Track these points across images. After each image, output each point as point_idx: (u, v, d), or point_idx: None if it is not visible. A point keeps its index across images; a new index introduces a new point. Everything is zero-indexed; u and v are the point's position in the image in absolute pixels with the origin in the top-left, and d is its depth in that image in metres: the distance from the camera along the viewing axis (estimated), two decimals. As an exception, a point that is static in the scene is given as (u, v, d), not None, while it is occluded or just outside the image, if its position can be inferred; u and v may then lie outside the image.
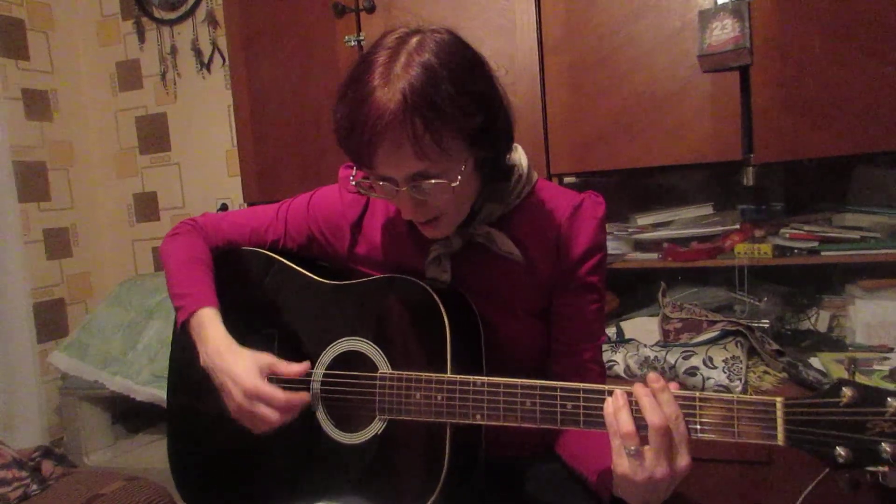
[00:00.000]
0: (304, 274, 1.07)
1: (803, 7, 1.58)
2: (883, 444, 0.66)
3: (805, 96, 1.59)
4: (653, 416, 0.72)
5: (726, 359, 1.54)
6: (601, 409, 0.78)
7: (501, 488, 0.98)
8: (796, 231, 1.75)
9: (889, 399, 0.65)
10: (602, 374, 1.05)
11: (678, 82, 1.69)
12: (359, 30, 1.99)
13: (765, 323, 1.74)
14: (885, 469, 0.66)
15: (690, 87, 1.68)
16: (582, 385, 0.80)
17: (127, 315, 2.35)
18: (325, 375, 0.99)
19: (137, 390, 2.13)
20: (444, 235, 0.95)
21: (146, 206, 2.81)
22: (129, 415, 2.40)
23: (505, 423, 0.83)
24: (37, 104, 2.63)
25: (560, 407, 0.80)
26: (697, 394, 0.75)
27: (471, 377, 0.85)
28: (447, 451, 0.86)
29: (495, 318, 0.96)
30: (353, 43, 1.98)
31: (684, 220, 1.86)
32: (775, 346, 1.63)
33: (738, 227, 1.81)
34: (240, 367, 0.94)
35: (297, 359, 1.00)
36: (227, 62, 2.58)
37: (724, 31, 1.62)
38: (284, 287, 1.08)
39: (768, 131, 1.63)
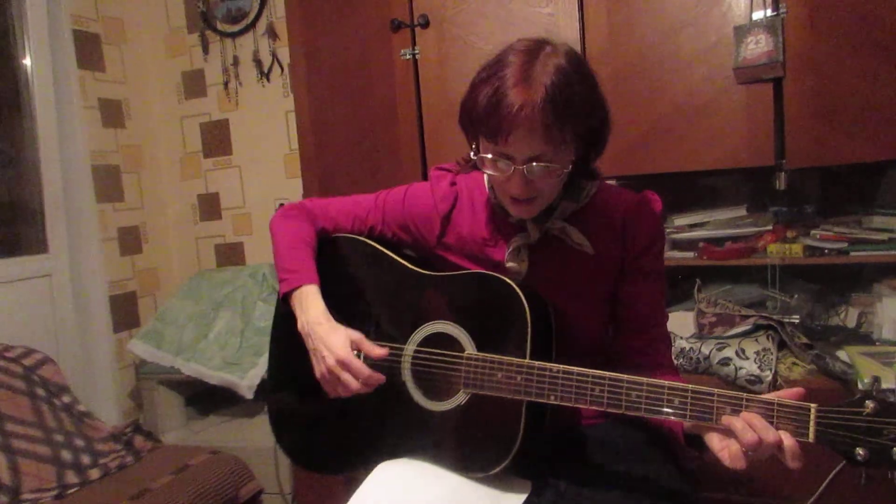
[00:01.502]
0: (399, 262, 1.22)
1: (834, 23, 1.69)
2: (895, 448, 0.80)
3: (835, 106, 1.70)
4: (766, 434, 0.85)
5: (758, 350, 1.66)
6: (662, 399, 0.92)
7: (564, 452, 1.13)
8: (826, 232, 1.85)
9: None
10: (669, 346, 1.20)
11: (714, 93, 1.81)
12: (413, 44, 2.14)
13: (795, 318, 1.85)
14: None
15: (726, 98, 1.80)
16: (645, 379, 0.94)
17: (197, 307, 2.55)
18: (415, 351, 1.15)
19: (210, 375, 2.33)
20: (531, 216, 1.10)
21: (209, 206, 3.01)
22: (200, 398, 2.60)
23: (575, 406, 0.98)
24: (111, 112, 2.85)
25: (625, 397, 0.94)
26: (744, 395, 0.89)
27: (549, 364, 1.00)
28: (522, 424, 1.02)
29: (564, 303, 1.11)
30: (408, 56, 2.14)
31: (719, 222, 1.98)
32: (804, 340, 1.74)
33: (770, 228, 1.92)
34: (333, 338, 1.11)
35: (388, 337, 1.17)
36: (284, 71, 2.77)
37: (758, 46, 1.73)
38: (380, 272, 1.24)
39: (800, 138, 1.75)
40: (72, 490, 1.68)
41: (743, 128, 1.80)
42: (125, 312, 2.85)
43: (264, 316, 2.44)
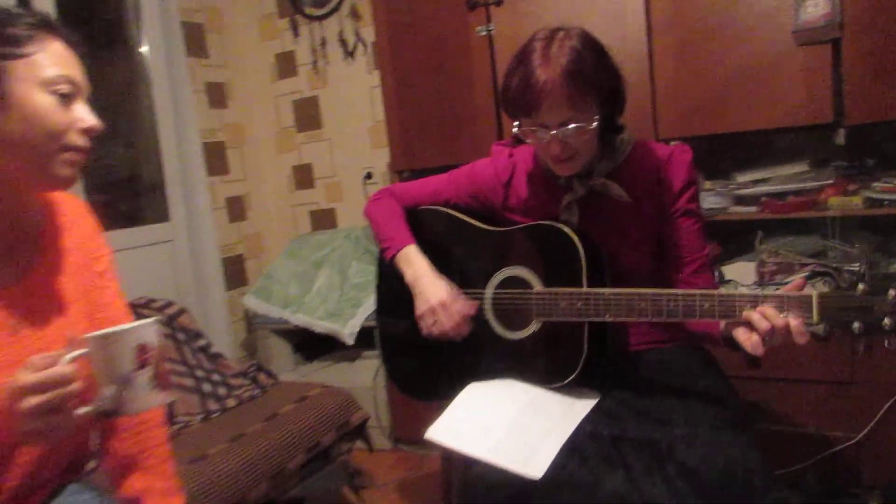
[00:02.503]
0: (473, 223, 1.46)
1: (890, -16, 1.78)
2: (885, 319, 0.99)
3: (892, 64, 1.80)
4: (777, 321, 1.06)
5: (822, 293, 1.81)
6: (695, 304, 1.12)
7: (624, 371, 1.34)
8: (886, 184, 1.95)
9: (890, 289, 0.98)
10: (711, 276, 1.39)
11: (775, 55, 1.93)
12: (488, 20, 2.32)
13: (854, 266, 1.97)
14: (890, 337, 0.98)
15: (786, 60, 1.92)
16: (680, 292, 1.15)
17: (299, 266, 2.86)
18: (494, 294, 1.38)
19: (316, 324, 2.64)
20: (574, 172, 1.31)
21: (303, 176, 3.31)
22: (305, 345, 2.93)
23: (626, 319, 1.19)
24: (215, 94, 3.16)
25: (665, 306, 1.15)
26: (760, 293, 1.08)
27: (601, 289, 1.22)
28: (585, 342, 1.23)
29: (613, 246, 1.32)
30: (483, 32, 2.31)
31: (782, 177, 2.10)
32: (862, 286, 1.87)
33: (832, 181, 2.03)
34: (434, 287, 1.37)
35: (470, 284, 1.41)
36: (368, 50, 3.00)
37: (816, 9, 1.84)
38: (458, 233, 1.47)
39: (857, 96, 1.85)
40: (214, 415, 2.02)
41: (802, 88, 1.91)
42: (235, 273, 3.20)
43: (359, 273, 2.71)
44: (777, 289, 1.87)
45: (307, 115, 3.23)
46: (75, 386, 0.83)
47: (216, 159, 3.14)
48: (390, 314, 1.58)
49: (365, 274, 2.71)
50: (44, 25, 0.94)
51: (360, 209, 3.03)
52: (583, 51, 1.21)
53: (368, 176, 3.10)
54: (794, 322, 1.05)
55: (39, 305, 1.00)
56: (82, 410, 0.85)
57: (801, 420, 1.94)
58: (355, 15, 2.99)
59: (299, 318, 2.68)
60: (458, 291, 1.38)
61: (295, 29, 3.15)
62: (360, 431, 2.18)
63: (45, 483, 1.04)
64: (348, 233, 2.91)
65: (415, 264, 1.41)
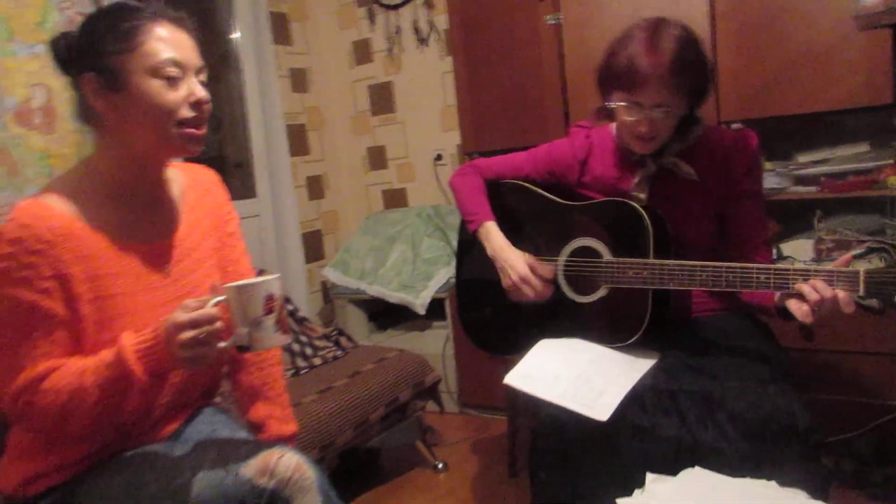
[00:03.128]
0: (550, 197, 1.62)
1: (954, -31, 1.83)
2: None
3: (953, 47, 1.85)
4: (826, 293, 1.17)
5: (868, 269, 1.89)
6: (752, 276, 1.25)
7: (683, 334, 1.48)
8: (946, 164, 2.01)
9: None
10: (770, 252, 1.51)
11: (835, 39, 2.01)
12: (557, 9, 2.45)
13: (912, 243, 2.04)
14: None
15: (846, 43, 1.99)
16: (738, 265, 1.28)
17: (375, 241, 3.07)
18: (566, 260, 1.54)
19: (390, 295, 2.85)
20: (651, 150, 1.45)
21: (377, 158, 3.51)
22: (379, 315, 3.15)
23: (688, 288, 1.33)
24: (298, 79, 3.39)
25: (724, 277, 1.29)
26: (812, 267, 1.20)
27: (665, 261, 1.36)
28: (649, 305, 1.38)
29: (680, 221, 1.45)
30: (552, 21, 2.45)
31: (842, 157, 2.17)
32: (918, 261, 1.94)
33: (892, 161, 2.09)
34: (515, 259, 1.54)
35: (545, 252, 1.57)
36: (441, 37, 3.16)
37: (878, -5, 1.90)
38: (536, 205, 1.64)
39: (918, 78, 1.91)
40: (303, 371, 2.25)
41: (862, 70, 1.98)
42: (313, 247, 3.44)
43: (430, 249, 2.90)
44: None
45: (381, 100, 3.43)
46: (218, 325, 1.03)
47: (298, 140, 3.37)
48: (468, 278, 1.76)
49: (435, 250, 2.89)
50: (149, 15, 1.09)
51: (431, 189, 3.25)
52: (687, 44, 1.35)
53: (438, 157, 3.28)
54: (841, 294, 1.17)
55: (183, 256, 1.21)
56: (222, 344, 1.06)
57: (855, 390, 2.03)
58: (429, 4, 3.16)
59: (375, 289, 2.89)
60: (534, 259, 1.54)
61: (371, 18, 3.34)
62: (432, 391, 2.38)
63: (188, 404, 1.27)
64: (419, 211, 3.10)
65: (494, 239, 1.59)
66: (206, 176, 1.33)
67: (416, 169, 3.40)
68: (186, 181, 1.27)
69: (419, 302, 2.77)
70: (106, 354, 1.03)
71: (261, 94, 3.11)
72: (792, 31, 2.07)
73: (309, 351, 2.36)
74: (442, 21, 3.11)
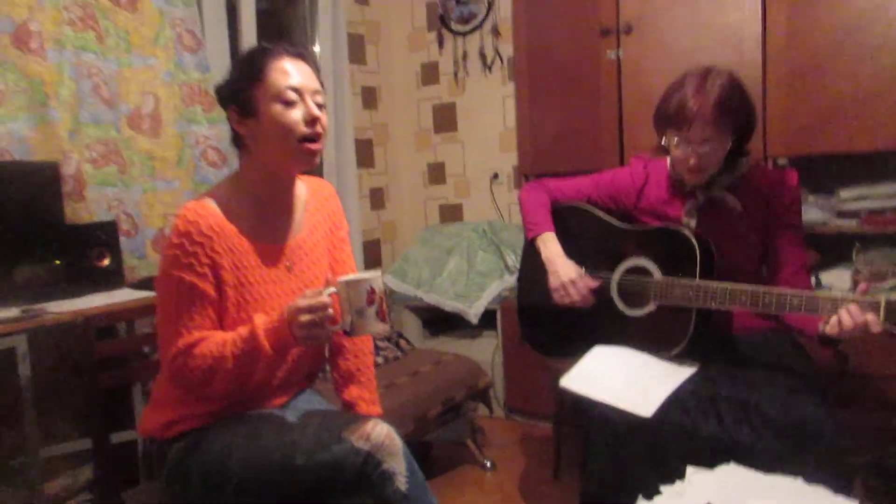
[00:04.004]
0: (608, 219, 1.81)
1: None
2: None
3: None
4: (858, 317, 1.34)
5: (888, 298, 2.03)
6: (786, 301, 1.42)
7: (724, 347, 1.65)
8: (983, 207, 2.13)
9: None
10: (808, 278, 1.67)
11: (880, 85, 2.16)
12: (618, 45, 2.64)
13: (946, 279, 2.16)
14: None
15: (890, 88, 2.14)
16: (775, 289, 1.45)
17: (432, 252, 3.29)
18: (621, 278, 1.72)
19: (445, 303, 3.05)
20: (701, 181, 1.63)
21: (436, 173, 3.73)
22: (433, 321, 3.36)
23: (728, 308, 1.50)
24: (369, 97, 3.65)
25: (762, 301, 1.45)
26: (839, 295, 1.37)
27: (710, 282, 1.53)
28: (692, 323, 1.56)
29: (726, 248, 1.63)
30: (613, 56, 2.64)
31: (881, 195, 2.30)
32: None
33: (930, 202, 2.22)
34: (565, 267, 1.74)
35: (601, 268, 1.76)
36: (504, 64, 3.38)
37: (922, 48, 2.05)
38: (595, 225, 1.83)
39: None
40: (368, 367, 2.47)
41: (906, 116, 2.13)
42: (372, 254, 3.67)
43: (484, 262, 3.10)
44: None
45: (444, 119, 3.66)
46: (331, 311, 1.24)
47: (364, 153, 3.62)
48: (528, 284, 1.95)
49: (488, 263, 3.09)
50: (274, 53, 1.33)
51: (486, 206, 3.47)
52: (731, 89, 1.55)
53: (495, 176, 3.49)
54: (870, 317, 1.34)
55: (302, 255, 1.44)
56: (333, 328, 1.27)
57: (886, 409, 2.15)
58: (496, 32, 3.38)
59: (431, 297, 3.10)
60: (583, 271, 1.73)
61: (441, 42, 3.58)
62: (484, 394, 2.57)
63: (296, 382, 1.49)
64: (475, 226, 3.31)
65: (549, 247, 1.79)
66: (326, 188, 1.56)
67: (472, 186, 3.61)
68: (310, 192, 1.50)
69: (473, 311, 2.96)
70: (243, 330, 1.26)
71: (335, 109, 3.36)
72: (838, 76, 2.23)
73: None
74: (506, 49, 3.33)
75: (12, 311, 1.68)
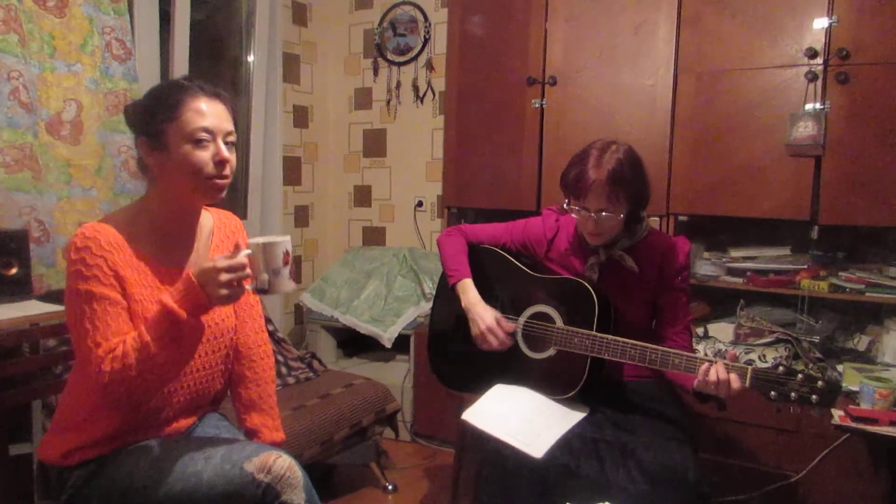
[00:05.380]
0: (518, 266, 1.93)
1: (863, 117, 2.22)
2: (792, 393, 1.43)
3: (861, 180, 2.24)
4: (723, 375, 1.50)
5: (776, 357, 2.24)
6: (669, 358, 1.57)
7: (613, 394, 1.78)
8: (850, 275, 2.38)
9: (798, 374, 1.42)
10: (690, 337, 1.83)
11: (771, 160, 2.38)
12: (543, 96, 2.79)
13: (816, 338, 2.39)
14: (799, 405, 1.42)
15: (779, 164, 2.37)
16: (660, 348, 1.59)
17: (352, 274, 3.34)
18: (526, 321, 1.84)
19: (361, 326, 3.11)
20: (601, 243, 1.77)
21: (362, 196, 3.80)
22: (348, 342, 3.40)
23: (619, 360, 1.64)
24: (300, 116, 3.68)
25: (649, 356, 1.60)
26: (714, 359, 1.53)
27: (605, 335, 1.66)
28: (587, 368, 1.69)
29: (620, 304, 1.77)
30: (537, 105, 2.79)
31: (767, 257, 2.53)
32: (817, 354, 2.29)
33: (806, 266, 2.46)
34: (486, 314, 1.84)
35: (509, 311, 1.87)
36: (435, 97, 3.49)
37: (805, 129, 2.29)
38: (506, 271, 1.94)
39: (832, 202, 2.29)
40: (278, 389, 2.48)
41: (789, 189, 2.36)
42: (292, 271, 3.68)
43: (402, 287, 3.18)
44: (748, 347, 2.32)
45: (374, 144, 3.73)
46: (247, 271, 1.27)
47: (292, 171, 3.64)
48: (441, 324, 2.05)
49: (406, 289, 3.17)
50: (191, 91, 1.36)
51: (408, 232, 3.55)
52: (625, 162, 1.67)
53: (419, 204, 3.58)
54: (734, 378, 1.50)
55: None
56: (248, 287, 1.29)
57: (755, 457, 2.36)
58: (430, 67, 3.49)
59: (348, 319, 3.15)
60: (500, 315, 1.84)
61: (376, 70, 3.66)
62: (391, 419, 2.63)
63: (200, 407, 1.52)
64: (396, 252, 3.39)
65: (469, 295, 1.89)
66: (233, 221, 1.59)
67: (396, 211, 3.69)
68: (216, 223, 1.54)
69: (387, 336, 3.03)
70: (153, 312, 1.27)
71: (265, 125, 3.38)
72: (736, 147, 2.44)
73: (284, 370, 2.60)
74: (439, 83, 3.44)
75: None
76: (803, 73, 2.31)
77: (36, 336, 1.75)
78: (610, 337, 1.66)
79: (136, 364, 1.23)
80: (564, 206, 1.77)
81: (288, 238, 1.33)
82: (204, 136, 1.33)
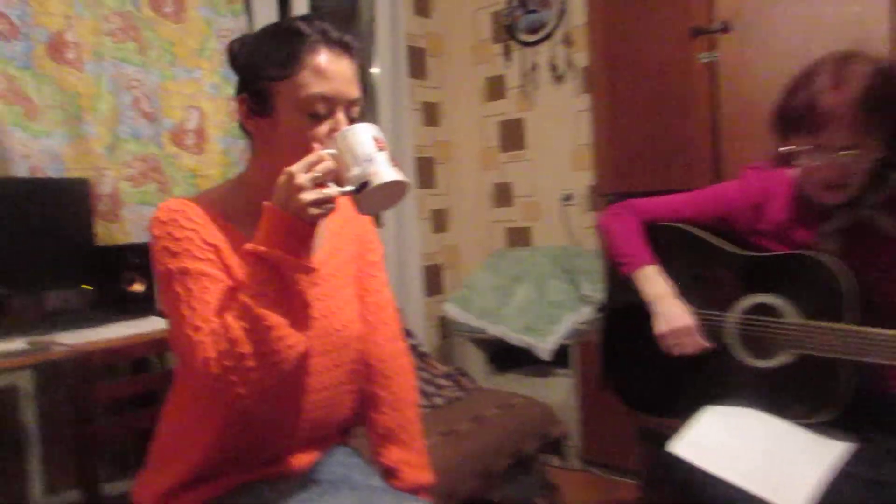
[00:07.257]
0: (718, 245, 1.47)
1: None
2: None
3: None
4: None
5: None
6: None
7: (882, 413, 1.28)
8: None
9: None
10: None
11: None
12: (712, 48, 2.31)
13: None
14: None
15: None
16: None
17: (498, 279, 3.00)
18: (740, 317, 1.38)
19: (513, 336, 2.75)
20: (840, 201, 1.28)
21: (503, 194, 3.45)
22: (499, 356, 3.06)
23: (891, 363, 1.15)
24: (430, 113, 3.42)
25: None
26: None
27: (863, 329, 1.18)
28: (846, 379, 1.21)
29: (878, 284, 1.27)
30: (706, 60, 2.31)
31: None
32: None
33: None
34: (677, 310, 1.42)
35: (710, 305, 1.43)
36: (578, 75, 3.09)
37: None
38: (701, 253, 1.50)
39: None
40: (424, 410, 2.18)
41: None
42: (432, 280, 3.41)
43: (557, 291, 2.79)
44: None
45: (511, 136, 3.38)
46: (332, 163, 0.96)
47: (425, 173, 3.38)
48: (618, 327, 1.64)
49: (562, 293, 2.78)
50: (311, 41, 1.03)
51: (557, 229, 3.13)
52: (882, 76, 1.19)
53: (567, 197, 3.18)
54: None
55: (321, 281, 1.11)
56: (340, 189, 0.96)
57: None
58: (568, 41, 3.10)
59: (498, 329, 2.80)
60: (695, 318, 1.41)
61: (507, 54, 3.32)
62: (558, 445, 2.24)
63: (326, 438, 1.21)
64: (546, 251, 3.00)
65: (654, 285, 1.47)
66: (348, 205, 1.28)
67: (542, 208, 3.31)
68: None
69: (545, 346, 2.65)
70: (242, 269, 1.01)
71: (393, 126, 3.14)
72: None
73: (430, 389, 2.29)
74: (581, 58, 3.04)
75: (17, 344, 1.47)
76: None
77: (134, 350, 1.53)
78: (872, 330, 1.17)
79: (244, 337, 0.94)
80: (782, 151, 1.30)
81: (371, 125, 1.01)
82: (321, 107, 1.02)
